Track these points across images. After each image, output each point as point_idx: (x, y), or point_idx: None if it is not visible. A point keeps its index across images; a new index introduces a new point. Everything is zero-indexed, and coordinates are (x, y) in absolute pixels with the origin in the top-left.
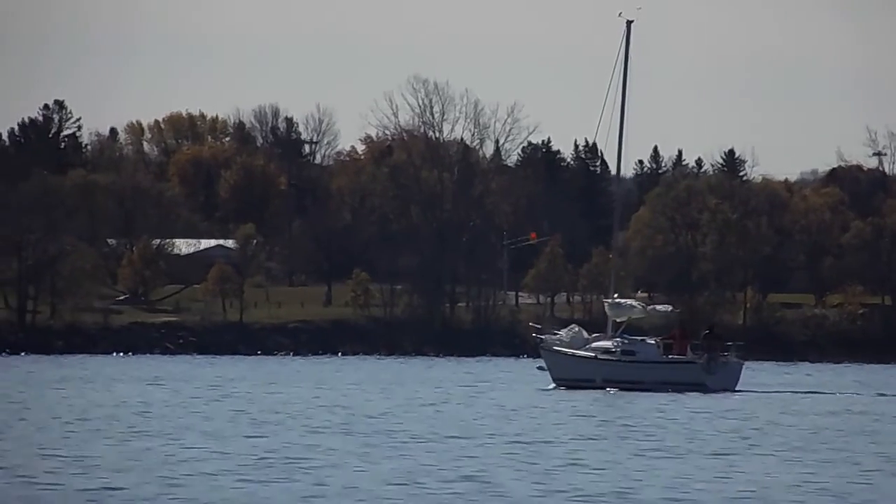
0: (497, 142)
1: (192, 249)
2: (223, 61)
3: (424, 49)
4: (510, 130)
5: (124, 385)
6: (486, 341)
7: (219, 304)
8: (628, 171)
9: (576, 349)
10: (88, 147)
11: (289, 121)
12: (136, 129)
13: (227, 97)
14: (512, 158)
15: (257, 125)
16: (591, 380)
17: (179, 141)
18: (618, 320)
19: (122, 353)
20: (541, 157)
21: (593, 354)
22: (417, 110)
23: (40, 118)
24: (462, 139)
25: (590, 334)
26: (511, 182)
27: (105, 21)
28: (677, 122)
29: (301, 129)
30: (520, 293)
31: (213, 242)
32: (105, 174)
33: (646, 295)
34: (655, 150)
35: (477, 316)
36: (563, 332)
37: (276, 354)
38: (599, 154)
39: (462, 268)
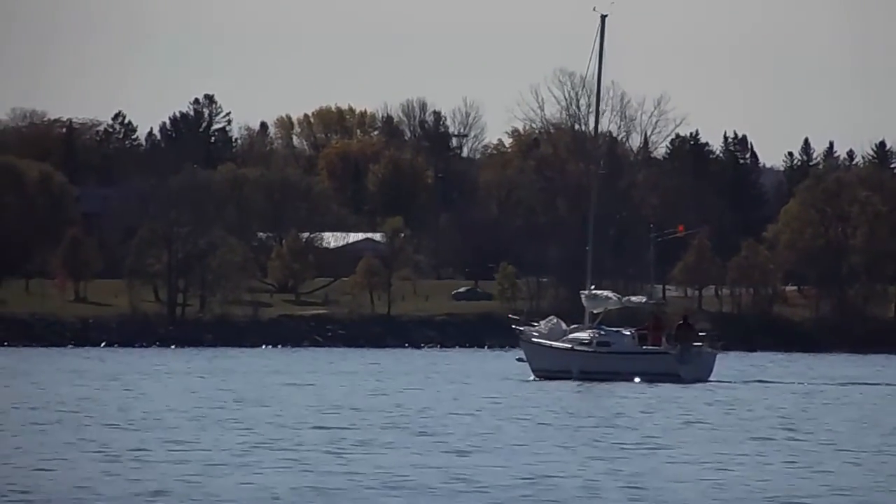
0: (646, 134)
1: (340, 243)
2: (372, 55)
3: (570, 41)
4: (657, 123)
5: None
6: None
7: (367, 297)
8: (777, 162)
9: (554, 340)
10: (238, 141)
11: (437, 114)
12: (285, 124)
13: (376, 91)
14: (659, 151)
15: (405, 119)
16: (567, 370)
17: (328, 135)
18: (594, 311)
19: (270, 346)
20: (689, 149)
21: (570, 346)
22: (563, 103)
23: (191, 112)
24: (610, 132)
25: (567, 325)
26: (658, 174)
27: (253, 16)
28: (828, 113)
29: (448, 122)
30: (667, 286)
31: (361, 236)
32: (254, 168)
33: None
34: (806, 141)
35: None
36: (541, 324)
37: (423, 347)
38: (749, 146)
39: (608, 261)
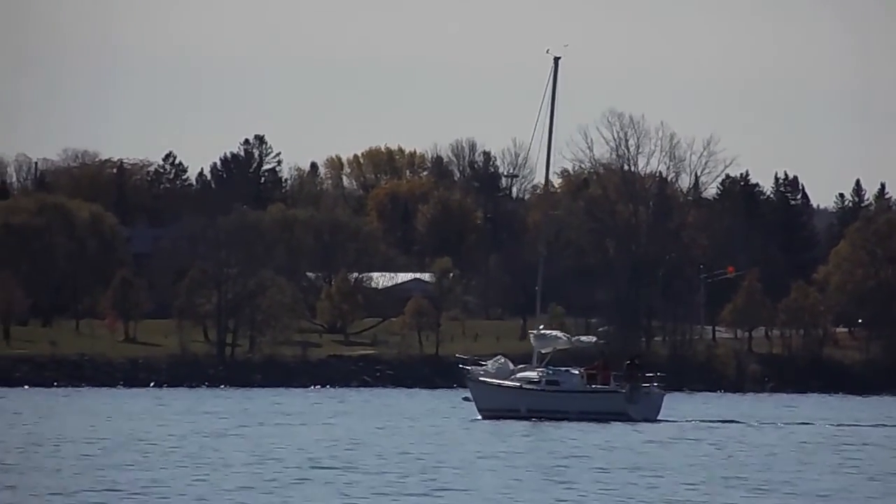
0: (696, 175)
1: (389, 283)
2: (421, 96)
3: (619, 82)
4: (706, 163)
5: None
6: (683, 376)
7: (415, 338)
8: (829, 203)
9: (501, 380)
10: (288, 181)
11: (486, 155)
12: (335, 164)
13: (425, 132)
14: (710, 192)
15: (454, 159)
16: (516, 409)
17: (378, 175)
18: (543, 351)
19: (319, 386)
20: (739, 190)
21: (518, 384)
22: (612, 144)
23: (241, 153)
24: (659, 172)
25: (515, 365)
26: (708, 215)
27: (304, 57)
28: (880, 154)
29: (498, 163)
30: (717, 327)
31: (410, 276)
32: (304, 209)
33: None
34: (858, 183)
35: (673, 350)
36: (489, 363)
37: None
38: (800, 187)
39: (658, 302)
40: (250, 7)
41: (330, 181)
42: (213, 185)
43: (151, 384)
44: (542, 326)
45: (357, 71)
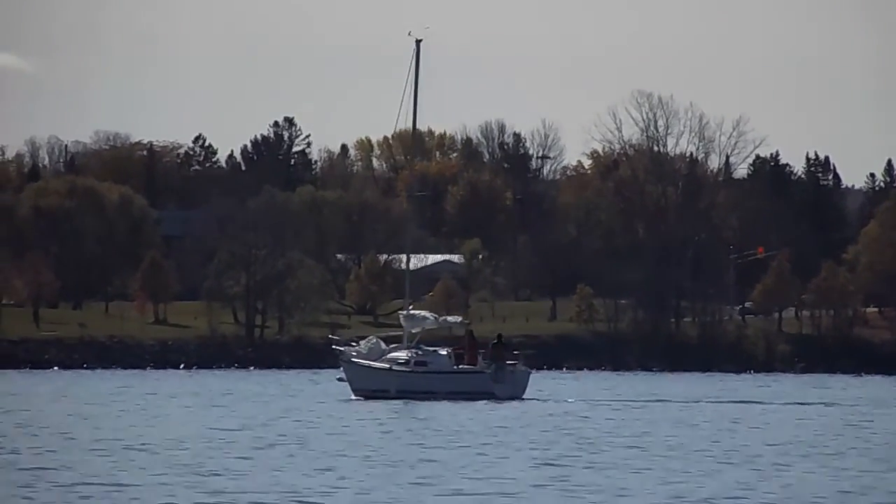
0: (727, 156)
1: (419, 264)
2: (450, 78)
3: (648, 63)
4: (736, 144)
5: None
6: (712, 357)
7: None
8: (860, 183)
9: (373, 360)
10: (318, 164)
11: (517, 136)
12: (365, 146)
13: (455, 113)
14: (739, 172)
15: (484, 141)
16: (386, 390)
17: (408, 157)
18: (412, 331)
19: None
20: (769, 170)
21: (388, 366)
22: (641, 124)
23: (271, 135)
24: (689, 153)
25: (387, 345)
26: (738, 196)
27: (333, 39)
28: None
29: (528, 144)
30: (746, 307)
31: (439, 258)
32: (333, 191)
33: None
34: (889, 163)
35: (703, 331)
36: (361, 344)
37: None
38: (832, 167)
39: (688, 282)
40: None
41: (360, 163)
42: (242, 168)
43: (181, 366)
44: (410, 307)
45: (385, 54)
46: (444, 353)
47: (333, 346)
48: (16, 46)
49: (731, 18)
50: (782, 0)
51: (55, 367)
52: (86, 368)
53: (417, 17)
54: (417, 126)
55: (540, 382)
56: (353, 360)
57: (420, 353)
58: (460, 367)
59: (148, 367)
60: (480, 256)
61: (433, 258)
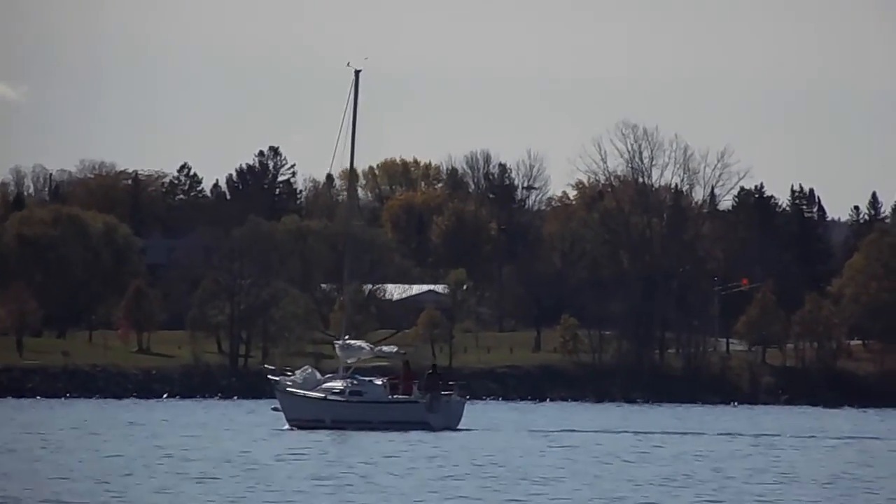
0: (711, 187)
1: (403, 294)
2: (436, 108)
3: (633, 94)
4: (720, 175)
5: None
6: (697, 388)
7: (428, 349)
8: (844, 216)
9: (308, 390)
10: (303, 193)
11: (502, 167)
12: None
13: (440, 143)
14: (724, 204)
15: (469, 171)
16: (321, 420)
17: (393, 187)
18: (348, 361)
19: None
20: (753, 202)
21: (323, 395)
22: (626, 156)
23: (256, 165)
24: (673, 184)
25: (323, 375)
26: (723, 227)
27: (317, 68)
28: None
29: (513, 174)
30: (731, 340)
31: (424, 287)
32: (318, 220)
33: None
34: (874, 196)
35: (687, 362)
36: (296, 373)
37: (484, 399)
38: (816, 200)
39: (672, 314)
40: (265, 19)
41: (345, 193)
42: (227, 197)
43: (164, 395)
44: (346, 337)
45: (372, 84)
46: (379, 382)
47: (269, 376)
48: (1, 75)
49: (716, 51)
50: (768, 33)
51: (37, 397)
52: (68, 398)
53: (399, 44)
54: (402, 156)
55: (487, 413)
56: (287, 389)
57: (355, 382)
58: (395, 397)
59: (131, 397)
60: (465, 287)
61: (418, 288)
